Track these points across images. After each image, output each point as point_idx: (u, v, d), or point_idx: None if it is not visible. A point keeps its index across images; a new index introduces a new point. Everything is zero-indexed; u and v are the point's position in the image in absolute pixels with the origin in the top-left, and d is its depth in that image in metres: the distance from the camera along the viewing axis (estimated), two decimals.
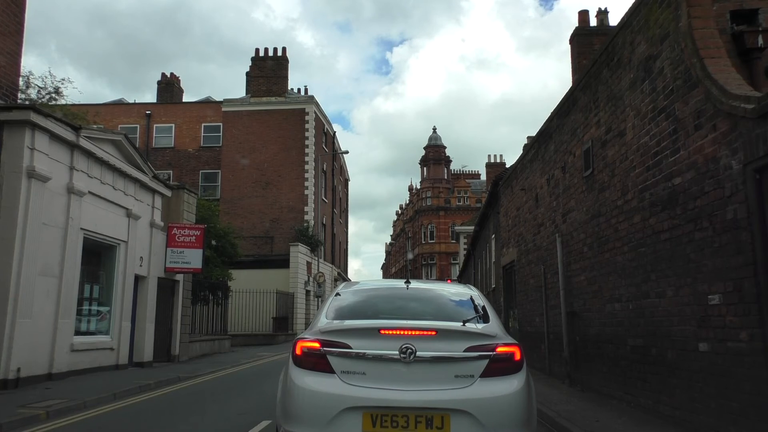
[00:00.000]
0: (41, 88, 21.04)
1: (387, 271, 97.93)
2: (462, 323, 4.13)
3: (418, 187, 71.80)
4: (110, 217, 13.42)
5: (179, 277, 17.23)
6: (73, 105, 24.74)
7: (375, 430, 3.77)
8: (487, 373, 3.92)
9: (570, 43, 15.02)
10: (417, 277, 58.96)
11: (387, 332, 3.96)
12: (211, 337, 21.17)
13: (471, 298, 4.80)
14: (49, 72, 35.87)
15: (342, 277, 45.16)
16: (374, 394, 3.82)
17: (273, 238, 35.25)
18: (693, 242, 5.98)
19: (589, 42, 14.18)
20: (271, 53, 38.31)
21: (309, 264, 35.47)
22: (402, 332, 3.95)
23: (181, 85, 43.91)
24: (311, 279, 35.02)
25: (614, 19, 17.08)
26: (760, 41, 5.93)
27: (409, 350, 3.87)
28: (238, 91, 57.36)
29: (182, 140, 38.88)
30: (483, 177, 63.72)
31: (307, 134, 36.75)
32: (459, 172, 71.46)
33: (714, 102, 5.53)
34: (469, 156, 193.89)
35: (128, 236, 14.20)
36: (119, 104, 42.53)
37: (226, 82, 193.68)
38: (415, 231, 69.68)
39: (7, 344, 9.78)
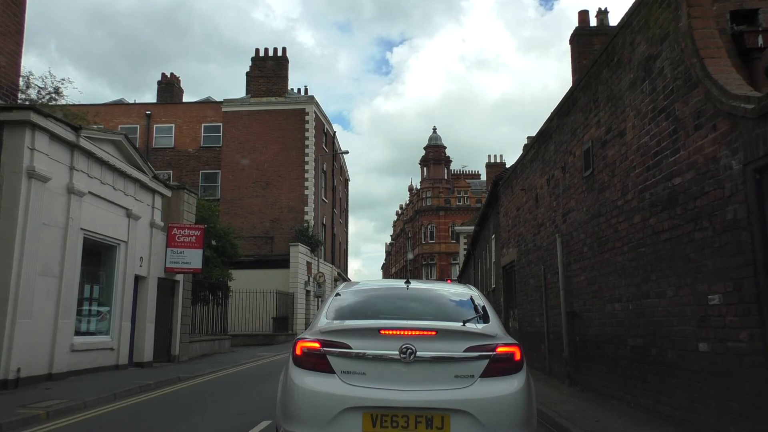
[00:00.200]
0: (41, 88, 21.08)
1: (387, 271, 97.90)
2: (462, 323, 4.13)
3: (418, 187, 71.79)
4: (110, 217, 13.42)
5: (179, 277, 17.23)
6: (73, 105, 24.77)
7: (375, 430, 3.77)
8: (487, 373, 3.91)
9: (570, 43, 15.03)
10: (417, 277, 58.95)
11: (387, 332, 3.96)
12: (211, 337, 21.17)
13: (471, 298, 4.80)
14: (49, 72, 36.05)
15: (342, 277, 45.14)
16: (374, 394, 3.82)
17: (273, 238, 35.26)
18: (693, 242, 5.98)
19: (589, 42, 14.20)
20: (271, 53, 38.32)
21: (309, 264, 35.47)
22: (402, 332, 3.95)
23: (181, 85, 43.92)
24: (311, 279, 35.03)
25: (614, 19, 17.12)
26: (760, 41, 5.93)
27: (409, 350, 3.87)
28: (238, 91, 57.32)
29: (182, 140, 38.88)
30: (483, 177, 63.78)
31: (307, 134, 36.77)
32: (459, 172, 71.46)
33: (714, 102, 5.53)
34: (469, 156, 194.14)
35: (128, 236, 14.20)
36: (119, 104, 42.54)
37: (226, 82, 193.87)
38: (415, 231, 69.65)
39: (7, 344, 9.78)
